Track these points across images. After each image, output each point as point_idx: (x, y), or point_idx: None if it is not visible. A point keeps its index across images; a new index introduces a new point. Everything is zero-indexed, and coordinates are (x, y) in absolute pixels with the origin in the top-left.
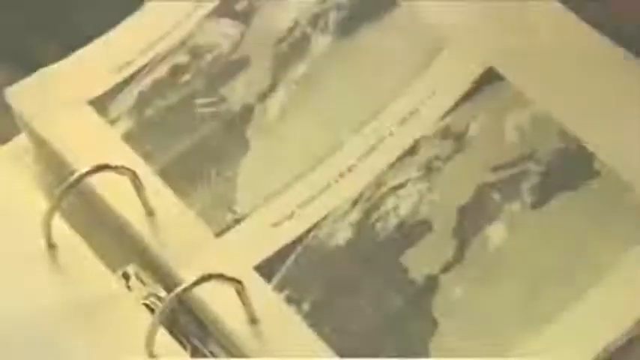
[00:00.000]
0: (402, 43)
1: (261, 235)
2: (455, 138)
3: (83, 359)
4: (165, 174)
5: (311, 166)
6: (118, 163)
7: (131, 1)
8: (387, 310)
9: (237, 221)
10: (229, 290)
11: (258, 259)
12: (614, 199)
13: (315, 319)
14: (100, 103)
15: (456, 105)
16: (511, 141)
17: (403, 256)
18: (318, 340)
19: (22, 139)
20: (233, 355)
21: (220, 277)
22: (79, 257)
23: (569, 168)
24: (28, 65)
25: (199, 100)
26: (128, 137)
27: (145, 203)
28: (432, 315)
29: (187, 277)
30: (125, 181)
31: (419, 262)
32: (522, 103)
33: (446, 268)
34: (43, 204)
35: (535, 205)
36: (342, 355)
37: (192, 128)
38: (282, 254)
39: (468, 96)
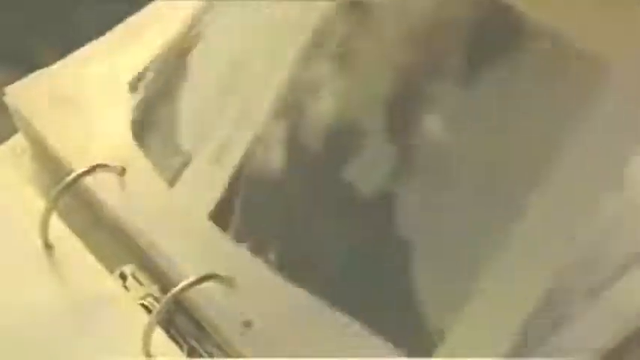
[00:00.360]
0: None
1: (207, 175)
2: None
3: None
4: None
5: (236, 80)
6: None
7: (131, 1)
8: (351, 237)
9: (185, 164)
10: (226, 290)
11: (210, 206)
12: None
13: (285, 269)
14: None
15: None
16: (421, 11)
17: (345, 171)
18: (299, 291)
19: (19, 139)
20: (230, 356)
21: (217, 277)
22: (76, 257)
23: (495, 33)
24: (27, 65)
25: None
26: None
27: None
28: (400, 234)
29: (184, 277)
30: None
31: (364, 173)
32: None
33: (395, 176)
34: (40, 204)
35: (466, 83)
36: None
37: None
38: (229, 194)
39: None
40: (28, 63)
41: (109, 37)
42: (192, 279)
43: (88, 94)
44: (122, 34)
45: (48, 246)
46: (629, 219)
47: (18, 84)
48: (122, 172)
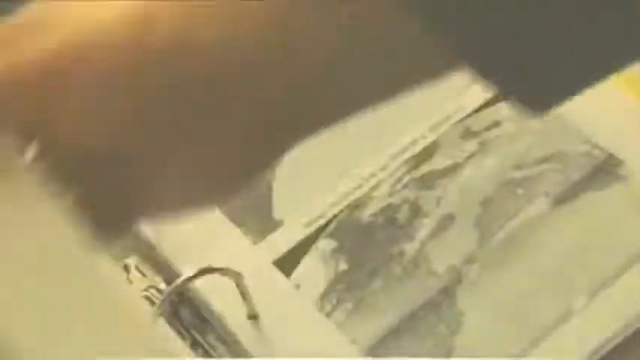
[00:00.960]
0: None
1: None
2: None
3: (82, 350)
4: None
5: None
6: None
7: None
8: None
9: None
10: (230, 283)
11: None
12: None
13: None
14: None
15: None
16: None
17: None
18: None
19: None
20: (231, 347)
21: (220, 270)
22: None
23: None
24: None
25: None
26: None
27: None
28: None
29: (188, 269)
30: None
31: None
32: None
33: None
34: None
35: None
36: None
37: None
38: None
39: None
40: None
41: None
42: (195, 271)
43: None
44: None
45: None
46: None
47: None
48: None
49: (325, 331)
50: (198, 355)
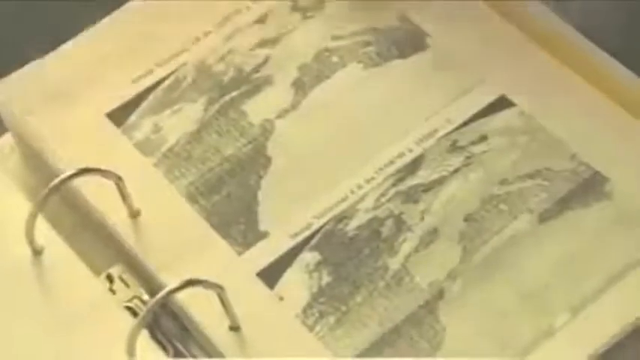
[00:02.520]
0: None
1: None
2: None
3: None
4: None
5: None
6: (112, 163)
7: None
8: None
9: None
10: (212, 295)
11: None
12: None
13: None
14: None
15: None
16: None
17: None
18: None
19: (7, 139)
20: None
21: (203, 282)
22: (62, 260)
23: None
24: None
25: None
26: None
27: (129, 206)
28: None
29: (171, 280)
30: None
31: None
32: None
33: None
34: (27, 206)
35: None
36: None
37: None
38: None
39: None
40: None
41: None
42: (178, 283)
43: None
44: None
45: (35, 248)
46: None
47: (7, 80)
48: (118, 179)
49: (307, 344)
50: None
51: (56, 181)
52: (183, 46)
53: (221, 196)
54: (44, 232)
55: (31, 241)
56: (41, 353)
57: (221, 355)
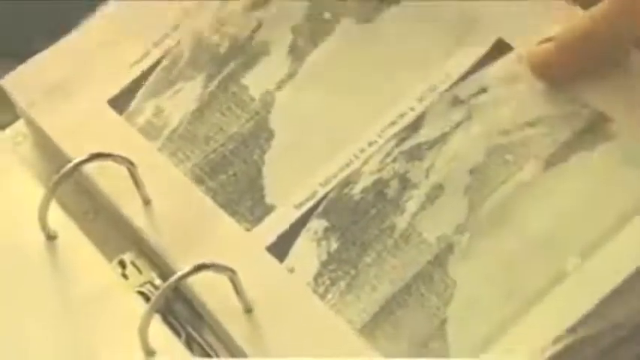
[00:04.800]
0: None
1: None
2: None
3: (78, 346)
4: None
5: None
6: (116, 151)
7: None
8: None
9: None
10: (224, 278)
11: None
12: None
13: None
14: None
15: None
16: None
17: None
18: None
19: (20, 126)
20: (227, 344)
21: (215, 266)
22: (75, 246)
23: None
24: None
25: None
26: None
27: (142, 192)
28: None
29: (183, 264)
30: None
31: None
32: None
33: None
34: (39, 191)
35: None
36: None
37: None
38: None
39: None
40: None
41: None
42: (190, 267)
43: (80, 79)
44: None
45: (48, 234)
46: None
47: (17, 71)
48: (130, 164)
49: (320, 314)
50: (193, 351)
51: (69, 166)
52: (175, 21)
53: (227, 175)
54: (57, 217)
55: (44, 226)
56: (54, 338)
57: (233, 339)
